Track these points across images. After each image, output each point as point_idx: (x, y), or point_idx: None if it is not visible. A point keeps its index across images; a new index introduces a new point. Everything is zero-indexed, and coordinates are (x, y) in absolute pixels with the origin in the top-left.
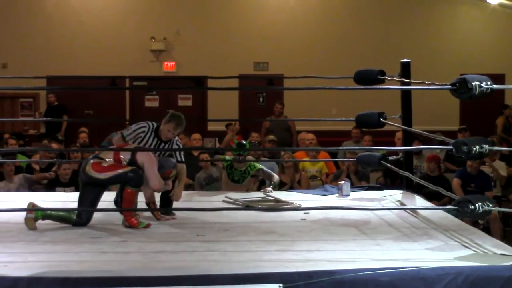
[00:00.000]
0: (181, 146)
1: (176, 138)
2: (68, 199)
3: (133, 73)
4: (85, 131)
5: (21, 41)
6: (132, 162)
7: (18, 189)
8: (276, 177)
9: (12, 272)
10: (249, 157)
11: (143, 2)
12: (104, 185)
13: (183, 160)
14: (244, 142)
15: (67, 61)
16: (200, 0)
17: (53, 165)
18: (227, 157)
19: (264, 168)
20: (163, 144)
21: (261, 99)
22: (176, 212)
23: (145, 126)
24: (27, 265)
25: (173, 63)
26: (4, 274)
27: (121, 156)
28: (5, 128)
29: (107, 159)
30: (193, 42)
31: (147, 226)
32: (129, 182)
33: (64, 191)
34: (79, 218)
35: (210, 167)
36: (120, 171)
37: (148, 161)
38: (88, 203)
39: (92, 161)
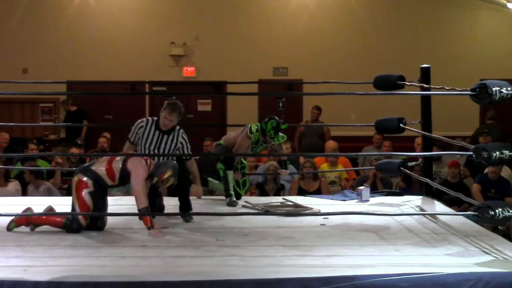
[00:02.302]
0: (187, 141)
1: (181, 131)
2: None
3: (153, 78)
4: (106, 136)
5: (41, 46)
6: (123, 170)
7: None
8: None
9: (32, 276)
10: None
11: (163, 7)
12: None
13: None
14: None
15: (87, 66)
16: (220, 5)
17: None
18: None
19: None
20: (166, 137)
21: (280, 104)
22: (195, 217)
23: (142, 121)
24: (47, 269)
25: (193, 68)
26: (24, 279)
27: (113, 165)
28: (26, 133)
29: (100, 168)
30: (213, 48)
31: None
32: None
33: None
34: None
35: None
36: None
37: (135, 173)
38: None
39: (80, 177)
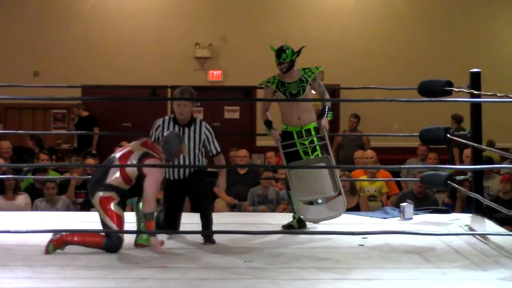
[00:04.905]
0: (212, 132)
1: (204, 122)
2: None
3: (176, 82)
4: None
5: (54, 47)
6: (140, 175)
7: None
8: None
9: None
10: None
11: (187, 6)
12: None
13: (219, 150)
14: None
15: (103, 69)
16: (249, 3)
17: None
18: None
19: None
20: (187, 130)
21: None
22: (221, 236)
23: (158, 120)
24: None
25: (219, 72)
26: None
27: (127, 171)
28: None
29: (115, 178)
30: (241, 49)
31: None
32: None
33: None
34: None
35: (269, 187)
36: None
37: (151, 176)
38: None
39: (101, 194)
